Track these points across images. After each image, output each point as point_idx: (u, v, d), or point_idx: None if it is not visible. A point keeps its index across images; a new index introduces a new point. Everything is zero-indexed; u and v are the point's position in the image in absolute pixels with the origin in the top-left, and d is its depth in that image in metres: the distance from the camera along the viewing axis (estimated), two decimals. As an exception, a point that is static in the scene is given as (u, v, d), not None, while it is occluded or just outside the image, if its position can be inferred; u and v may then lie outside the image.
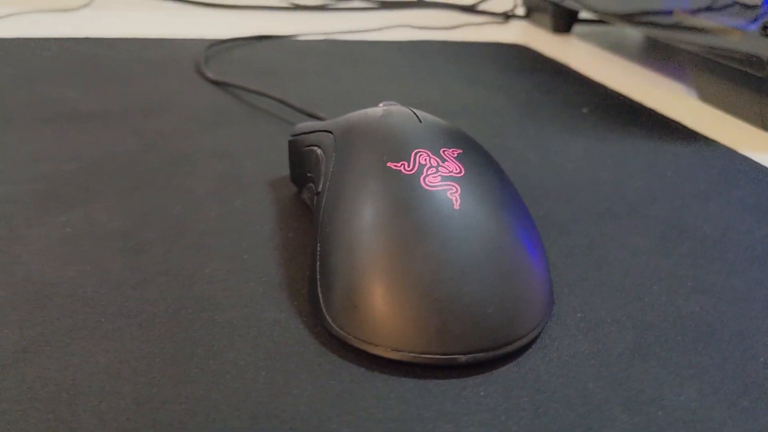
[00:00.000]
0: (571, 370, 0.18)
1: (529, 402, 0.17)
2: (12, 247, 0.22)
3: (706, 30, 0.44)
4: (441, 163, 0.20)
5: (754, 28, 0.39)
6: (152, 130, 0.34)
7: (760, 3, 0.38)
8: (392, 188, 0.19)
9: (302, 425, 0.16)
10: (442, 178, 0.20)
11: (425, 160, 0.20)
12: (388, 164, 0.20)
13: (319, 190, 0.22)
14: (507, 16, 0.78)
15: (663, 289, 0.22)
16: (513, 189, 0.22)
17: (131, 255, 0.22)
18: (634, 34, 0.70)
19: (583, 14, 0.69)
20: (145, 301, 0.20)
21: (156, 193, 0.27)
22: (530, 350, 0.19)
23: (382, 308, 0.18)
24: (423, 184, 0.19)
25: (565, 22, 0.70)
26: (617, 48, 0.63)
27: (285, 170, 0.28)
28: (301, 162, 0.25)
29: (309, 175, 0.24)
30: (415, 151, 0.20)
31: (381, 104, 0.26)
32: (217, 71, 0.45)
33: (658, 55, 0.61)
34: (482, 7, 0.84)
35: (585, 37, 0.69)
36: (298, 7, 0.76)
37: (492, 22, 0.76)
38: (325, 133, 0.24)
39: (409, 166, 0.20)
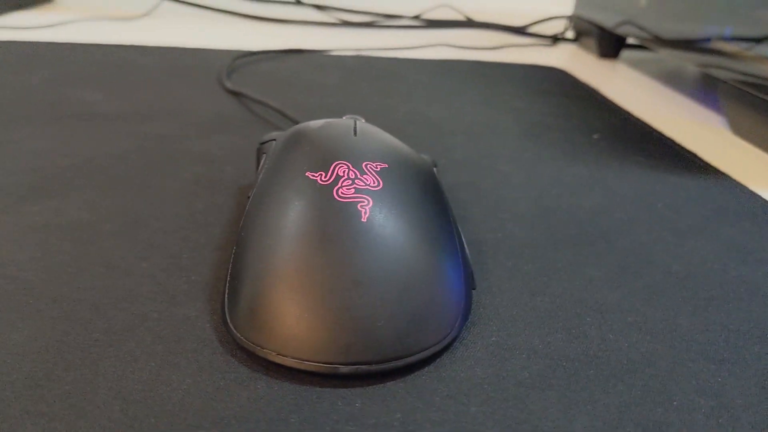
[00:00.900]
0: (460, 393, 0.18)
1: (401, 420, 0.17)
2: (-20, 231, 0.24)
3: (742, 58, 0.42)
4: (359, 176, 0.20)
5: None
6: (152, 133, 0.36)
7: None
8: (304, 197, 0.20)
9: (165, 415, 0.16)
10: (356, 190, 0.20)
11: (344, 171, 0.20)
12: (307, 174, 0.20)
13: (249, 195, 0.22)
14: (555, 39, 0.77)
15: (596, 322, 0.21)
16: (440, 207, 0.22)
17: (81, 245, 0.24)
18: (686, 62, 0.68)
19: (632, 40, 0.67)
20: (75, 287, 0.21)
21: (129, 191, 0.29)
22: (426, 369, 0.19)
23: (273, 313, 0.18)
24: (335, 195, 0.20)
25: (611, 47, 0.68)
26: (663, 76, 0.61)
27: (257, 177, 0.29)
28: (257, 169, 0.26)
29: (258, 181, 0.25)
30: (336, 162, 0.20)
31: (345, 117, 0.26)
32: (238, 81, 0.47)
33: (702, 85, 0.59)
34: (533, 29, 0.83)
35: (632, 64, 0.67)
36: (345, 24, 0.78)
37: (539, 45, 0.75)
38: (272, 141, 0.24)
39: (325, 177, 0.20)
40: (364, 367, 0.18)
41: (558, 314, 0.22)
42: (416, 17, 0.83)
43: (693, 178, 0.35)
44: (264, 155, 0.26)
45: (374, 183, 0.20)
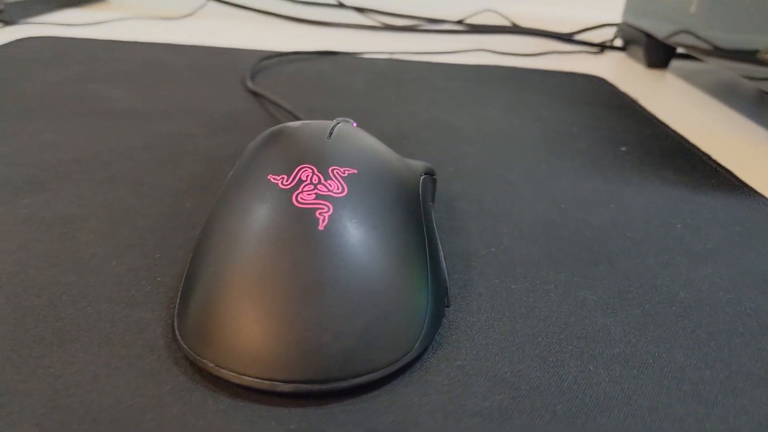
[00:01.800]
0: (407, 421, 0.16)
1: (334, 445, 0.16)
2: (-33, 221, 0.25)
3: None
4: (323, 181, 0.19)
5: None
6: (162, 130, 0.36)
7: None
8: (262, 201, 0.19)
9: (88, 423, 0.16)
10: (317, 196, 0.19)
11: (307, 176, 0.19)
12: (269, 176, 0.19)
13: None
14: (603, 48, 0.74)
15: (578, 351, 0.20)
16: (413, 218, 0.20)
17: (59, 240, 0.24)
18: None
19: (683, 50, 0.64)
20: (39, 283, 0.21)
21: (123, 188, 0.28)
22: (375, 392, 0.17)
23: (215, 322, 0.17)
24: (294, 201, 0.19)
25: (660, 56, 0.65)
26: (715, 89, 0.58)
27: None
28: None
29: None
30: (301, 166, 0.19)
31: (335, 119, 0.25)
32: (263, 82, 0.46)
33: (756, 100, 0.55)
34: (581, 36, 0.80)
35: (682, 75, 0.63)
36: (386, 27, 0.77)
37: (585, 52, 0.72)
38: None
39: (287, 180, 0.19)
40: (304, 386, 0.16)
41: (537, 340, 0.20)
42: (459, 22, 0.81)
43: (723, 197, 0.32)
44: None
45: (338, 189, 0.19)
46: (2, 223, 0.25)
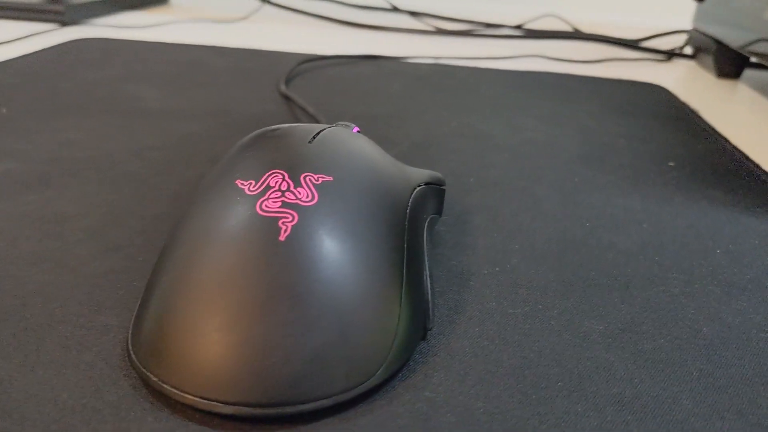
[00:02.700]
0: (354, 457, 0.15)
1: (266, 479, 0.14)
2: (-31, 215, 0.25)
3: None
4: (292, 188, 0.18)
5: None
6: (184, 131, 0.36)
7: None
8: (225, 208, 0.18)
9: (27, 429, 0.15)
10: (282, 203, 0.17)
11: (276, 182, 0.18)
12: (237, 181, 0.18)
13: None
14: (671, 55, 0.69)
15: (568, 388, 0.17)
16: (392, 231, 0.19)
17: (49, 239, 0.23)
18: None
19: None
20: (17, 283, 0.21)
21: (126, 188, 0.28)
22: (326, 420, 0.16)
23: (162, 335, 0.16)
24: (257, 208, 0.17)
25: (731, 65, 0.60)
26: (783, 99, 0.53)
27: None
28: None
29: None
30: (271, 171, 0.18)
31: (336, 123, 0.24)
32: (299, 85, 0.46)
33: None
34: (648, 43, 0.76)
35: (756, 86, 0.58)
36: (440, 32, 0.75)
37: (651, 60, 0.68)
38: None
39: (254, 186, 0.18)
40: (246, 409, 0.15)
41: (524, 373, 0.18)
42: (518, 27, 0.79)
43: (777, 221, 0.29)
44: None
45: (307, 197, 0.18)
46: (2, 218, 0.25)
